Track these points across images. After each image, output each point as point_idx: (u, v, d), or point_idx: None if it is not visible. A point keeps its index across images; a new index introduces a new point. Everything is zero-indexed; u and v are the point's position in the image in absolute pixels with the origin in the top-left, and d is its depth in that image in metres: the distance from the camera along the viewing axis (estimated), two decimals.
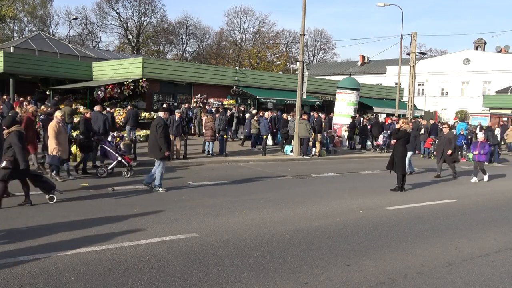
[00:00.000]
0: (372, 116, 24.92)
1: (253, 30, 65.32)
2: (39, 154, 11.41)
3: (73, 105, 20.70)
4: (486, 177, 13.36)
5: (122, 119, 18.23)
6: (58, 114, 10.17)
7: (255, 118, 18.65)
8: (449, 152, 13.30)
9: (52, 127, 9.77)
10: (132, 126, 16.80)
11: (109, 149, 11.20)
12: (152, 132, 9.58)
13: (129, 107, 18.34)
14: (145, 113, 20.81)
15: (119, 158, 11.11)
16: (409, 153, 13.32)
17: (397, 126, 11.52)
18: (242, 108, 22.90)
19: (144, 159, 13.98)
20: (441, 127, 15.59)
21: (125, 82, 20.78)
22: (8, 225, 6.44)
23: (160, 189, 9.51)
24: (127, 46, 61.48)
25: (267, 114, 18.89)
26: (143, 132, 18.86)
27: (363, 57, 60.23)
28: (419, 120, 23.64)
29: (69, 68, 24.15)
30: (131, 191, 9.38)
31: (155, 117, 11.89)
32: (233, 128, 20.78)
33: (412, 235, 6.91)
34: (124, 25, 61.43)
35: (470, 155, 18.98)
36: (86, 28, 61.56)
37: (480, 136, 13.45)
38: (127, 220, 6.95)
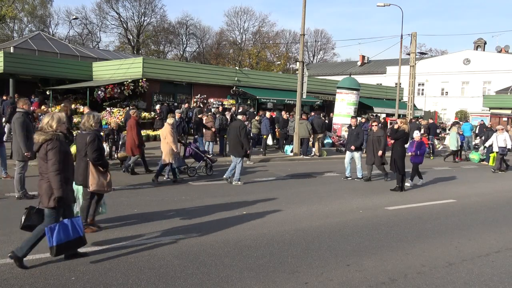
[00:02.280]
0: (372, 116, 24.91)
1: (253, 30, 65.45)
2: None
3: (73, 105, 20.72)
4: (420, 181, 11.97)
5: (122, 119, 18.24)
6: (170, 121, 10.82)
7: (256, 118, 18.64)
8: (380, 153, 11.98)
9: (169, 132, 10.46)
10: None
11: (196, 150, 11.88)
12: (233, 133, 10.83)
13: (128, 108, 18.35)
14: (145, 113, 20.82)
15: (205, 158, 11.93)
16: (358, 154, 12.39)
17: (396, 126, 11.54)
18: (246, 107, 22.85)
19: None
20: (371, 124, 13.30)
21: (125, 82, 20.78)
22: (8, 225, 6.44)
23: (239, 183, 10.73)
24: (127, 46, 61.49)
25: (268, 114, 18.88)
26: (143, 132, 18.87)
27: (363, 57, 60.24)
28: (420, 120, 23.67)
29: (69, 68, 24.15)
30: (131, 191, 9.38)
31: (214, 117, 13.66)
32: None
33: (412, 235, 6.91)
34: (124, 25, 61.47)
35: (471, 155, 19.05)
36: (86, 28, 61.60)
37: (417, 135, 11.88)
38: (127, 220, 6.95)
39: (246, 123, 16.34)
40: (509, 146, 15.74)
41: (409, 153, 11.76)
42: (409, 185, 11.55)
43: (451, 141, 18.45)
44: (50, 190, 4.92)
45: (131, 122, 11.60)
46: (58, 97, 23.07)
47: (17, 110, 8.42)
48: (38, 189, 5.10)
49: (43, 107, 15.02)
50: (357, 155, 12.44)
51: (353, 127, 12.86)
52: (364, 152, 12.95)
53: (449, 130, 24.84)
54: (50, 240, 4.82)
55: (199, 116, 15.57)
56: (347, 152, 12.63)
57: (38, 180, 5.09)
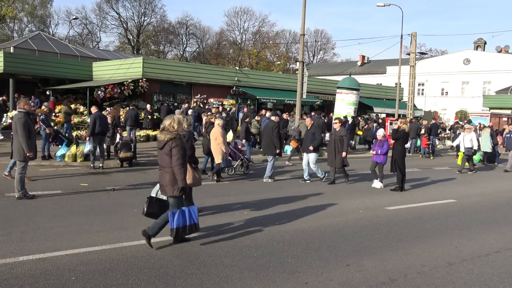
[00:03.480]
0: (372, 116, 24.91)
1: (253, 30, 65.46)
2: None
3: (73, 105, 20.73)
4: (378, 185, 11.16)
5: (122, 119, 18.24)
6: (220, 122, 11.10)
7: (257, 118, 18.63)
8: (344, 154, 11.19)
9: (220, 133, 10.76)
10: (132, 126, 16.80)
11: (234, 150, 12.32)
12: (267, 133, 11.60)
13: (129, 107, 18.35)
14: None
15: (242, 157, 12.40)
16: (313, 155, 11.49)
17: (395, 127, 11.53)
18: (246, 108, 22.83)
19: (144, 160, 13.98)
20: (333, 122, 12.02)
21: (125, 82, 20.79)
22: (8, 225, 6.44)
23: (270, 180, 11.26)
24: (127, 46, 61.50)
25: (268, 114, 18.86)
26: (143, 132, 18.88)
27: (363, 57, 60.25)
28: (420, 120, 23.67)
29: (69, 68, 24.15)
30: (131, 191, 9.38)
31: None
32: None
33: (412, 235, 6.91)
34: (124, 25, 61.49)
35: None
36: (86, 28, 61.61)
37: (380, 133, 11.24)
38: (127, 220, 6.95)
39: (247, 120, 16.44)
40: (475, 147, 15.14)
41: (372, 152, 11.26)
42: (379, 187, 11.04)
43: (483, 143, 17.30)
44: (174, 181, 5.66)
45: (217, 131, 11.45)
46: (58, 97, 23.06)
47: (18, 110, 8.40)
48: (160, 180, 5.86)
49: (43, 107, 14.98)
50: (312, 156, 11.48)
51: (308, 127, 12.05)
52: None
53: (460, 131, 24.32)
54: (172, 223, 5.57)
55: (246, 120, 15.80)
56: (304, 154, 11.84)
57: (160, 173, 5.83)
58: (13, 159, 8.66)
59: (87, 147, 12.34)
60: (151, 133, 19.03)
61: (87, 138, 12.10)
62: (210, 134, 11.11)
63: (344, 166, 11.46)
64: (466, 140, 15.13)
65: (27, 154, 8.10)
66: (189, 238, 6.07)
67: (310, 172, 11.69)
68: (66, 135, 14.78)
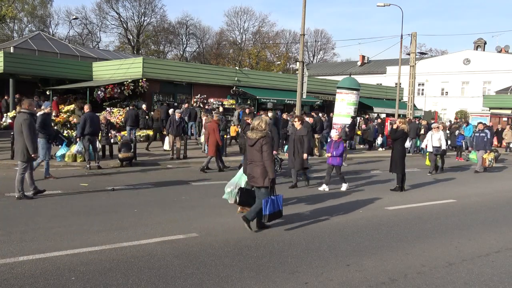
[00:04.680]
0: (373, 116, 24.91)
1: (253, 30, 65.47)
2: None
3: (72, 105, 20.73)
4: (344, 187, 10.52)
5: (122, 119, 18.25)
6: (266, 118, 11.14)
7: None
8: (305, 156, 10.30)
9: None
10: (132, 126, 16.79)
11: None
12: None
13: (129, 107, 18.35)
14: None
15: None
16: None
17: (395, 126, 11.52)
18: (247, 107, 22.80)
19: (144, 159, 13.99)
20: (292, 121, 11.44)
21: (125, 82, 20.78)
22: (8, 225, 6.44)
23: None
24: (127, 46, 61.50)
25: (270, 115, 18.84)
26: (142, 132, 18.88)
27: (363, 57, 60.25)
28: (420, 120, 23.68)
29: (69, 68, 24.14)
30: (131, 191, 9.38)
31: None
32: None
33: (412, 235, 6.91)
34: (124, 25, 61.50)
35: (471, 155, 19.03)
36: (86, 28, 61.62)
37: (334, 133, 10.43)
38: (127, 220, 6.95)
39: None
40: (443, 147, 14.59)
41: (327, 154, 10.54)
42: (325, 190, 10.24)
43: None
44: (265, 173, 6.48)
45: (214, 125, 12.34)
46: (57, 97, 23.06)
47: (22, 111, 8.21)
48: (251, 173, 6.63)
49: (43, 107, 14.95)
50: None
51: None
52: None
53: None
54: (265, 210, 6.46)
55: (245, 118, 15.81)
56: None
57: (251, 166, 6.61)
58: (20, 160, 8.60)
59: (76, 148, 12.41)
60: (151, 133, 19.02)
61: (77, 139, 12.15)
62: None
63: (305, 169, 10.60)
64: (434, 139, 14.59)
65: (33, 155, 8.08)
66: (269, 225, 6.86)
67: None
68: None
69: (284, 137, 18.66)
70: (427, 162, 15.02)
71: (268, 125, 6.72)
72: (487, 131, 15.74)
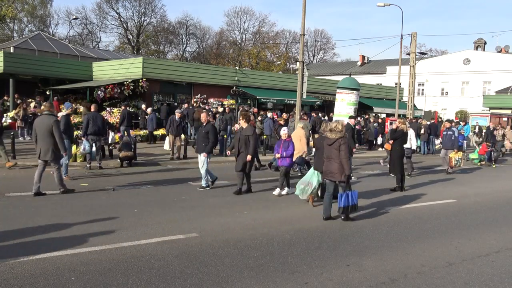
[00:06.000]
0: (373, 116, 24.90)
1: (253, 30, 65.48)
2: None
3: (73, 105, 20.71)
4: (285, 191, 9.64)
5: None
6: (303, 125, 11.93)
7: (259, 118, 18.63)
8: (249, 157, 9.33)
9: (304, 135, 11.59)
10: (126, 126, 16.71)
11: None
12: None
13: (123, 107, 18.29)
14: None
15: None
16: (203, 157, 9.80)
17: (394, 126, 11.52)
18: (246, 108, 22.82)
19: (144, 159, 14.00)
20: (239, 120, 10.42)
21: (125, 82, 20.78)
22: (8, 225, 6.44)
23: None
24: (127, 46, 61.51)
25: (270, 115, 18.87)
26: (143, 132, 18.90)
27: (363, 57, 60.25)
28: (420, 120, 23.67)
29: (69, 68, 24.14)
30: (131, 191, 9.38)
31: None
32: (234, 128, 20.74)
33: (412, 235, 6.91)
34: (124, 25, 61.50)
35: (471, 155, 19.03)
36: (86, 28, 61.62)
37: (283, 132, 9.77)
38: (127, 220, 6.95)
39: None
40: (413, 147, 14.14)
41: (277, 155, 9.78)
42: (276, 194, 9.52)
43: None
44: (342, 170, 7.29)
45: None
46: (58, 97, 23.06)
47: (45, 113, 8.71)
48: (328, 169, 7.44)
49: (42, 107, 14.97)
50: (202, 158, 9.82)
51: (204, 124, 10.15)
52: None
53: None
54: (340, 203, 7.25)
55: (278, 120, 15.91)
56: (199, 156, 10.05)
57: (329, 163, 7.43)
58: (46, 160, 8.70)
59: (82, 147, 12.40)
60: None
61: (82, 138, 12.16)
62: (294, 135, 11.60)
63: (247, 172, 9.57)
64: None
65: (64, 154, 8.80)
66: (354, 218, 7.54)
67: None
68: None
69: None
70: None
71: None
72: (454, 129, 14.95)
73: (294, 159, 11.36)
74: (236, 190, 9.48)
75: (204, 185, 9.94)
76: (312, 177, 8.63)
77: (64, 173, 10.19)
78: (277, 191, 9.58)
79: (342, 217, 7.48)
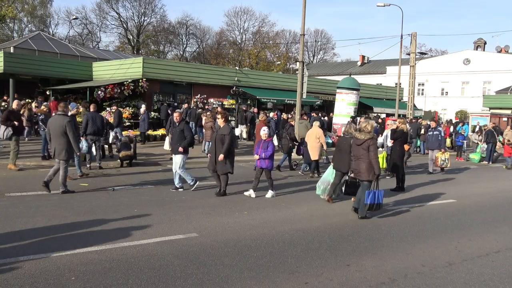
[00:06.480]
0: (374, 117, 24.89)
1: (253, 30, 65.49)
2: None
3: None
4: (269, 194, 9.24)
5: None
6: (317, 123, 12.48)
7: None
8: (221, 156, 8.82)
9: (322, 134, 12.22)
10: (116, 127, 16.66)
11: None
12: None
13: (116, 108, 18.29)
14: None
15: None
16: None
17: (394, 126, 11.53)
18: (244, 108, 22.83)
19: (144, 159, 14.00)
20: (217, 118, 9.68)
21: (125, 82, 20.76)
22: (8, 225, 6.44)
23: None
24: (127, 46, 61.52)
25: (272, 115, 18.87)
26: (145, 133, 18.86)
27: (363, 57, 60.25)
28: (420, 120, 23.69)
29: (69, 68, 24.13)
30: (131, 191, 9.38)
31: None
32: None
33: (412, 235, 6.91)
34: (124, 25, 61.53)
35: (471, 155, 19.04)
36: (86, 28, 61.63)
37: (263, 132, 9.29)
38: (127, 220, 6.95)
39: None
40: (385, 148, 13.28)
41: (256, 156, 9.34)
42: (251, 196, 9.11)
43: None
44: (370, 169, 7.51)
45: (261, 126, 12.96)
46: (58, 97, 23.06)
47: (59, 113, 8.99)
48: (356, 167, 7.67)
49: (42, 106, 15.00)
50: (178, 158, 9.41)
51: (176, 123, 9.72)
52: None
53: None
54: (366, 200, 7.45)
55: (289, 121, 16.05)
56: (173, 157, 9.62)
57: (357, 162, 7.66)
58: (57, 159, 8.90)
59: (82, 147, 12.40)
60: (151, 133, 19.02)
61: (81, 138, 12.13)
62: (309, 134, 12.36)
63: (227, 173, 9.14)
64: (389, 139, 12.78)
65: (78, 153, 9.28)
66: (370, 216, 7.76)
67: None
68: None
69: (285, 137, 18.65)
70: (383, 165, 12.64)
71: (372, 127, 7.82)
72: (440, 129, 14.56)
73: (316, 158, 12.13)
74: (218, 192, 9.19)
75: (191, 183, 9.54)
76: (332, 176, 8.97)
77: (78, 172, 10.65)
78: (249, 192, 9.16)
79: (366, 214, 7.70)
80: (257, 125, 13.84)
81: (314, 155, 12.14)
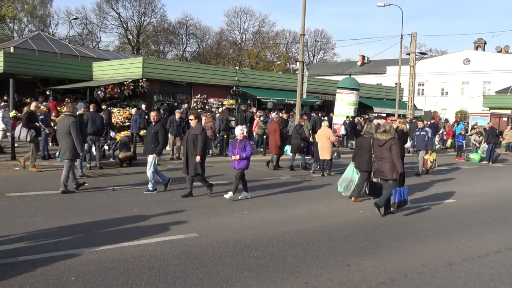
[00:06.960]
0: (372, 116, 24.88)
1: (253, 30, 65.50)
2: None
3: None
4: (244, 195, 9.01)
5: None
6: (326, 123, 12.92)
7: (261, 118, 18.62)
8: (197, 159, 8.56)
9: (332, 133, 12.53)
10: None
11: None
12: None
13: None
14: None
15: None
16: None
17: (394, 126, 11.51)
18: (243, 108, 22.84)
19: (144, 159, 13.96)
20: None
21: (125, 82, 20.77)
22: (8, 225, 6.44)
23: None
24: (127, 46, 61.51)
25: (273, 115, 18.82)
26: (142, 132, 18.84)
27: (363, 57, 60.27)
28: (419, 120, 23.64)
29: (69, 68, 24.13)
30: (131, 191, 9.38)
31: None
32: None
33: (412, 235, 6.91)
34: (124, 25, 61.53)
35: (471, 155, 19.04)
36: (86, 28, 61.62)
37: (238, 131, 8.97)
38: (127, 220, 6.95)
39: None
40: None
41: (234, 157, 8.92)
42: (228, 197, 8.75)
43: None
44: (393, 168, 7.77)
45: (275, 125, 13.47)
46: (58, 97, 23.06)
47: (67, 113, 9.15)
48: (379, 168, 7.95)
49: (42, 106, 14.96)
50: (150, 158, 9.19)
51: (153, 123, 9.45)
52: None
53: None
54: (395, 198, 7.81)
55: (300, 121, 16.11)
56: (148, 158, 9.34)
57: (380, 162, 7.93)
58: (66, 158, 8.97)
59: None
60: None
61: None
62: (319, 135, 12.57)
63: (198, 175, 8.77)
64: None
65: (81, 154, 9.24)
66: (394, 212, 8.11)
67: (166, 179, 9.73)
68: None
69: (285, 137, 18.64)
70: None
71: (393, 128, 8.11)
72: (427, 129, 14.05)
73: (329, 157, 12.42)
74: (186, 194, 8.94)
75: (151, 188, 9.25)
76: (353, 174, 9.34)
77: (80, 172, 10.65)
78: (229, 194, 8.78)
79: (391, 209, 8.08)
80: (269, 125, 14.28)
81: (327, 155, 12.43)
